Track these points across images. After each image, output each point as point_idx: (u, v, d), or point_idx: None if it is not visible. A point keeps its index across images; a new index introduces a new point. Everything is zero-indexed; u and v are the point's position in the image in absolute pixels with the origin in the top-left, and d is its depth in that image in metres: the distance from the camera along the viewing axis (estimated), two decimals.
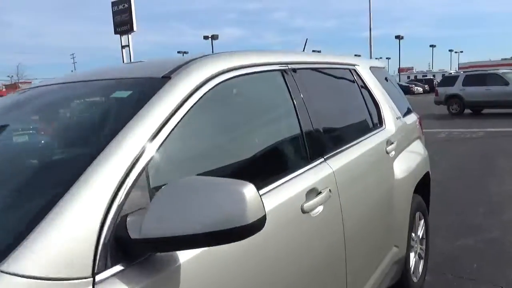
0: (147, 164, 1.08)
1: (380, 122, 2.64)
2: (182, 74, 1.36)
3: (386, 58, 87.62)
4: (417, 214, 2.97)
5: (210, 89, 1.39)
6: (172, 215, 0.92)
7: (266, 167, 1.55)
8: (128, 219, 0.97)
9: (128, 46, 18.43)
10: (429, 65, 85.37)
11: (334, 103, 2.22)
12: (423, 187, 3.07)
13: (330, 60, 2.32)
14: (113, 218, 0.96)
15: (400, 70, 61.21)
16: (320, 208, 1.62)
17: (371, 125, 2.51)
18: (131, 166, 1.04)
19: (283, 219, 1.44)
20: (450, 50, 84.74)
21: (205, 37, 47.98)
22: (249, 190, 0.93)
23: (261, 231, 1.33)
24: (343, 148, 1.99)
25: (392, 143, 2.55)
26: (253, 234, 0.95)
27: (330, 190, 1.70)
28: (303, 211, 1.52)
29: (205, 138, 1.38)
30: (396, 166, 2.56)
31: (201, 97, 1.35)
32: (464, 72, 18.15)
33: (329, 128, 2.04)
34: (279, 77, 1.81)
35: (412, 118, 3.34)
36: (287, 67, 1.87)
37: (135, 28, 19.28)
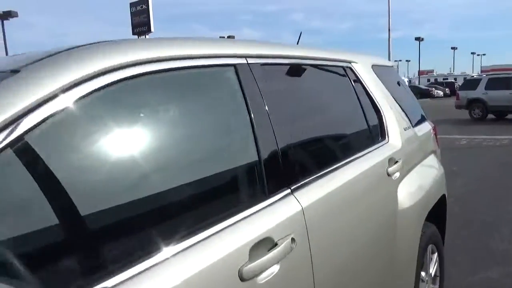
0: None
1: (382, 134, 2.09)
2: (40, 67, 0.86)
3: (406, 60, 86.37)
4: (429, 247, 2.40)
5: (93, 92, 0.89)
6: None
7: (189, 210, 1.03)
8: None
9: None
10: (450, 68, 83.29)
11: (314, 112, 1.68)
12: (437, 213, 2.50)
13: (315, 55, 1.78)
14: None
15: (420, 72, 59.67)
16: (274, 269, 1.09)
17: (368, 138, 1.96)
18: None
19: None
20: (472, 53, 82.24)
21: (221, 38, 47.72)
22: None
23: None
24: (321, 173, 1.45)
25: (397, 161, 1.99)
26: None
27: (293, 238, 1.17)
28: (243, 278, 1.00)
29: (78, 168, 0.86)
30: (402, 190, 2.01)
31: (75, 102, 0.85)
32: (487, 75, 17.22)
33: (303, 147, 1.50)
34: (230, 74, 1.29)
35: (426, 127, 2.76)
36: (244, 62, 1.35)
37: (152, 29, 19.51)
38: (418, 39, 54.80)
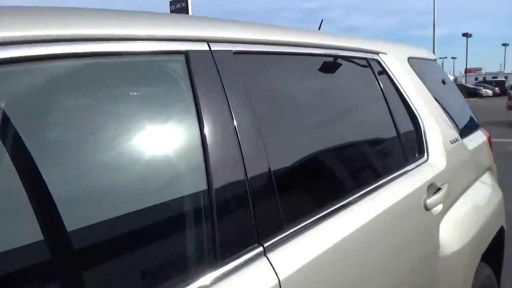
0: None
1: (420, 149, 1.55)
2: None
3: (451, 57, 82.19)
4: None
5: None
6: None
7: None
8: None
9: None
10: (500, 66, 78.29)
11: (314, 123, 1.16)
12: (494, 250, 1.92)
13: (323, 42, 1.28)
14: None
15: (467, 70, 56.38)
16: None
17: (398, 157, 1.44)
18: None
19: None
20: None
21: None
22: None
23: None
24: (315, 218, 0.95)
25: (440, 188, 1.46)
26: None
27: None
28: None
29: None
30: (446, 228, 1.47)
31: None
32: None
33: (289, 176, 0.99)
34: (175, 66, 0.84)
35: (479, 137, 2.17)
36: (205, 48, 0.89)
37: None
38: (465, 35, 51.72)
